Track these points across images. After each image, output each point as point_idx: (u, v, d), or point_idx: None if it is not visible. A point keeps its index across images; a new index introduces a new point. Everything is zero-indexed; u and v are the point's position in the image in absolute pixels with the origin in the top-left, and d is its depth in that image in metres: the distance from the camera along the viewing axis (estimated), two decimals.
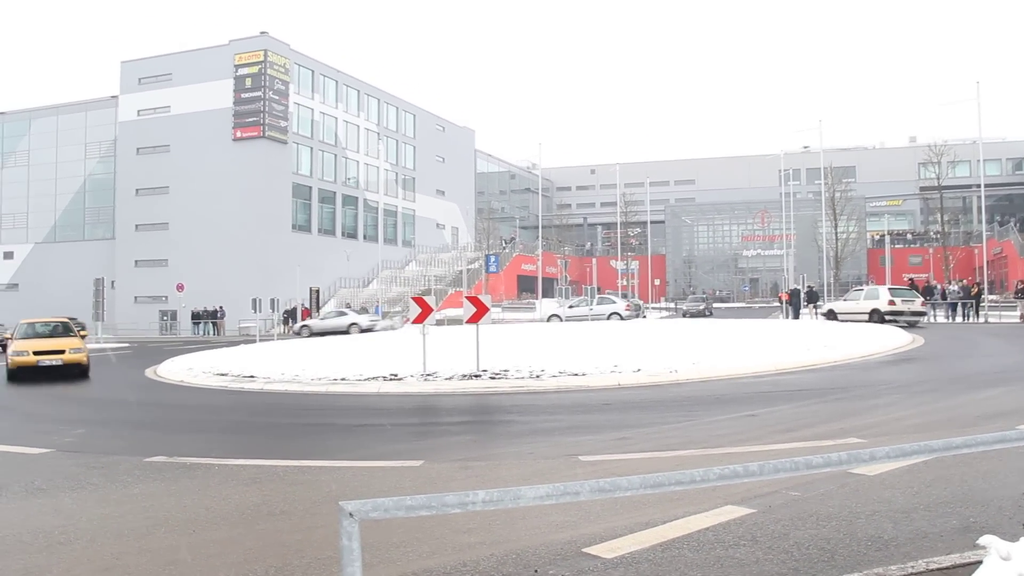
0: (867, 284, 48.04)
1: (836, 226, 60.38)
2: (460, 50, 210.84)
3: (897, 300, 35.45)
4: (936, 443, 3.88)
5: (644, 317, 48.48)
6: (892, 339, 24.13)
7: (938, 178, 62.61)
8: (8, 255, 73.42)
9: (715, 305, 65.96)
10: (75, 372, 22.79)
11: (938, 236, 69.85)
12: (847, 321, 34.82)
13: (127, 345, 46.29)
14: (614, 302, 48.25)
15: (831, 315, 38.90)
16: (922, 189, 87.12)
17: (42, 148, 72.42)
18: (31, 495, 8.37)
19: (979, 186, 47.08)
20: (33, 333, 24.28)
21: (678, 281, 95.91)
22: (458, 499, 3.14)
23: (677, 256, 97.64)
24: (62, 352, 22.47)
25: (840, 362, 19.45)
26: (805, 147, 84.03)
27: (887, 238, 55.53)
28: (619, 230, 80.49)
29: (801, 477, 7.25)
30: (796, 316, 43.53)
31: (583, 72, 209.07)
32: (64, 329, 25.12)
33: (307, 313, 56.86)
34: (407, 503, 3.11)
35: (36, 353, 22.14)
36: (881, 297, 36.02)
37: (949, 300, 42.25)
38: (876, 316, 34.77)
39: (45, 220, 72.18)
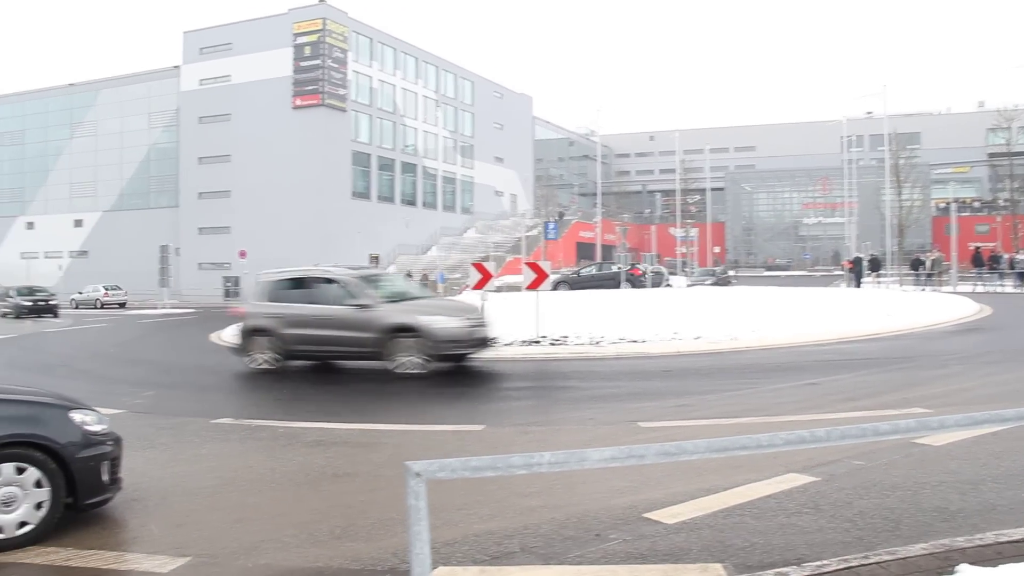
0: (932, 252, 46.93)
1: (900, 194, 58.91)
2: (518, 16, 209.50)
3: None
4: (1009, 412, 3.81)
5: (669, 285, 47.53)
6: (958, 309, 23.64)
7: (1008, 144, 60.74)
8: (78, 223, 75.10)
9: (772, 273, 64.79)
10: None
11: (1007, 204, 67.88)
12: None
13: (192, 310, 47.22)
14: None
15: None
16: (991, 155, 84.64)
17: (108, 119, 73.67)
18: None
19: None
20: None
21: (737, 248, 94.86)
22: (524, 460, 3.17)
23: (737, 223, 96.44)
24: None
25: (903, 331, 19.13)
26: (868, 113, 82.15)
27: (953, 206, 54.01)
28: (678, 197, 79.60)
29: (864, 446, 7.19)
30: (858, 285, 42.84)
31: (642, 37, 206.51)
32: None
33: None
34: (473, 464, 3.14)
35: None
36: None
37: (1017, 270, 41.12)
38: None
39: (112, 189, 73.57)
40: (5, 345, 24.78)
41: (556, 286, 40.74)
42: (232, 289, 62.29)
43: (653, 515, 5.77)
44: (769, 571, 4.56)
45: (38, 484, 5.72)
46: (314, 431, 9.66)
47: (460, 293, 39.12)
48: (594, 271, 44.56)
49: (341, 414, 10.97)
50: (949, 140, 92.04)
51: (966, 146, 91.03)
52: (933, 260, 42.79)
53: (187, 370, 18.07)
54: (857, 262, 45.22)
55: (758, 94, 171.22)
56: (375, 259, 60.43)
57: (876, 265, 46.46)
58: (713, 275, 59.60)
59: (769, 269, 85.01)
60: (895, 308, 23.12)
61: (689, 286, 50.35)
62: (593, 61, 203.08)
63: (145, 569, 5.21)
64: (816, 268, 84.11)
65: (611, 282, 41.13)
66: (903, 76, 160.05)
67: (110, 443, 6.30)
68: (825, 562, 4.65)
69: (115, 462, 6.34)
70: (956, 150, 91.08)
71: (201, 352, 21.66)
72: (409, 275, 57.08)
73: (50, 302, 45.08)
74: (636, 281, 41.84)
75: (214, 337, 24.80)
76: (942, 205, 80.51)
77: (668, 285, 46.56)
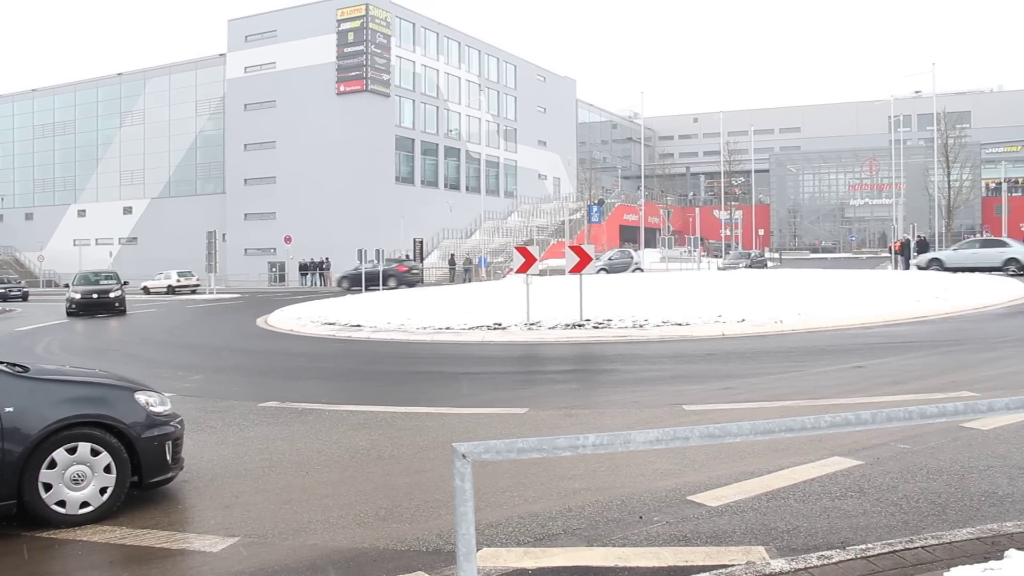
0: (981, 234, 46.10)
1: (948, 174, 57.57)
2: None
3: (182, 279, 53.16)
4: None
5: (640, 270, 46.67)
6: (1008, 291, 23.18)
7: None
8: (127, 210, 76.35)
9: (817, 256, 63.90)
10: None
11: None
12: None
13: (238, 295, 47.80)
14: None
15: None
16: None
17: (156, 107, 74.68)
18: None
19: None
20: None
21: (783, 231, 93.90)
22: (569, 442, 3.20)
23: (782, 206, 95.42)
24: None
25: (952, 314, 18.83)
26: (917, 92, 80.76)
27: (1004, 186, 52.89)
28: (722, 179, 78.98)
29: (910, 430, 7.12)
30: (906, 267, 42.23)
31: (686, 19, 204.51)
32: None
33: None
34: (519, 445, 3.17)
35: None
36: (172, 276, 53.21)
37: None
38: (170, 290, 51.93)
39: (160, 176, 74.64)
40: (59, 330, 25.31)
41: (339, 282, 44.40)
42: (277, 274, 63.03)
43: (696, 498, 5.78)
44: (812, 554, 4.55)
45: (107, 469, 5.94)
46: (359, 414, 9.77)
47: (504, 277, 39.21)
48: (369, 267, 44.32)
49: (385, 398, 11.07)
50: (1001, 119, 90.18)
51: (1018, 124, 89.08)
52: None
53: (235, 354, 18.33)
54: (905, 244, 44.59)
55: (804, 74, 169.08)
56: (418, 243, 60.66)
57: (924, 247, 45.66)
58: (748, 258, 59.01)
59: (814, 251, 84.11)
60: (944, 290, 22.75)
61: (721, 269, 49.83)
62: (637, 43, 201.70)
63: (196, 548, 5.33)
64: (862, 250, 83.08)
65: (376, 280, 41.39)
66: (953, 54, 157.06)
67: (173, 424, 6.51)
68: (869, 546, 4.63)
69: (177, 442, 6.55)
70: (1008, 128, 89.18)
71: (248, 337, 21.95)
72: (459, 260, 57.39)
73: (111, 294, 32.09)
74: (402, 277, 42.51)
75: (260, 322, 25.13)
76: (993, 185, 79.02)
77: (638, 270, 45.97)
